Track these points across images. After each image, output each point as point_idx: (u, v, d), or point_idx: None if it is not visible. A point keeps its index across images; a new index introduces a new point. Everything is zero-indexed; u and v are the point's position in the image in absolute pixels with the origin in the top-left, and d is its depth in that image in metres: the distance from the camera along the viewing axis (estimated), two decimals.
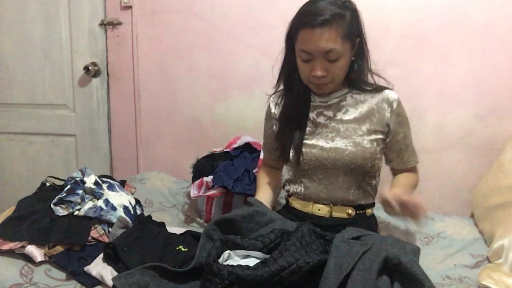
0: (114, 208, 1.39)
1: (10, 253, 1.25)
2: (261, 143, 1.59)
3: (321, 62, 1.11)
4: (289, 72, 1.25)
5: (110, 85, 2.17)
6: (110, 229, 1.36)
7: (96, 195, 1.39)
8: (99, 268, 1.18)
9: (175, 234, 1.37)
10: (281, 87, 1.31)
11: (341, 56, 1.11)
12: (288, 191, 1.35)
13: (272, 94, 1.35)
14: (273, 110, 1.34)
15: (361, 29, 1.18)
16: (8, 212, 1.41)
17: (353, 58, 1.19)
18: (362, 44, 1.20)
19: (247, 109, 1.96)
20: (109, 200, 1.40)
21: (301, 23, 1.11)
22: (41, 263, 1.23)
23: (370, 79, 1.26)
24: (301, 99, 1.26)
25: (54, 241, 1.25)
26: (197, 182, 1.62)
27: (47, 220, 1.30)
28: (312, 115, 1.26)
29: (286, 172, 1.38)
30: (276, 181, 1.39)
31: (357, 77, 1.22)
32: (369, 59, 1.23)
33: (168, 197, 1.81)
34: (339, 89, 1.24)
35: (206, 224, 1.57)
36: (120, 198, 1.45)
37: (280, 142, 1.31)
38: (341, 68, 1.14)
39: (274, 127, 1.34)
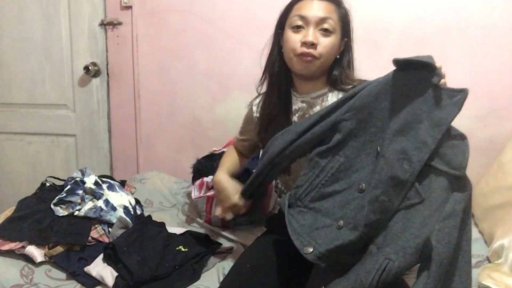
0: (114, 208, 1.39)
1: (10, 253, 1.25)
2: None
3: (314, 31, 1.10)
4: (274, 61, 1.21)
5: (110, 85, 2.17)
6: (110, 229, 1.36)
7: (96, 196, 1.39)
8: (99, 268, 1.18)
9: (175, 234, 1.37)
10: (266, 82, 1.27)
11: (333, 32, 1.11)
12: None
13: (256, 98, 1.32)
14: (255, 114, 1.31)
15: (350, 31, 1.18)
16: (8, 212, 1.41)
17: (337, 56, 1.16)
18: (348, 47, 1.18)
19: (247, 109, 1.96)
20: (109, 200, 1.40)
21: None
22: (41, 263, 1.23)
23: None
24: (282, 94, 1.21)
25: (54, 242, 1.25)
26: (197, 182, 1.62)
27: (47, 221, 1.30)
28: (294, 118, 1.21)
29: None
30: (241, 163, 1.39)
31: (337, 77, 1.17)
32: (353, 65, 1.20)
33: (168, 197, 1.81)
34: (319, 88, 1.19)
35: (206, 224, 1.57)
36: (120, 198, 1.45)
37: (261, 142, 1.28)
38: (330, 46, 1.11)
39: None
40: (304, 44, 1.09)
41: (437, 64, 0.89)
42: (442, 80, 0.89)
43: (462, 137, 0.90)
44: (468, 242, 0.90)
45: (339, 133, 1.03)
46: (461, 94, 0.86)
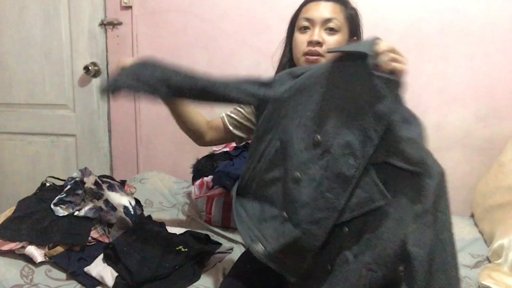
0: (114, 209, 1.39)
1: (10, 253, 1.25)
2: None
3: (319, 31, 1.13)
4: (286, 63, 1.24)
5: None
6: (110, 229, 1.36)
7: (96, 196, 1.39)
8: (99, 268, 1.18)
9: (175, 234, 1.37)
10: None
11: (339, 30, 1.14)
12: None
13: None
14: None
15: (359, 31, 1.21)
16: (8, 212, 1.41)
17: None
18: None
19: None
20: (109, 200, 1.40)
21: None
22: (41, 263, 1.23)
23: None
24: None
25: (54, 242, 1.25)
26: (197, 182, 1.62)
27: (47, 221, 1.30)
28: None
29: None
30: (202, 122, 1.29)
31: None
32: None
33: (168, 197, 1.81)
34: None
35: (206, 224, 1.57)
36: (120, 198, 1.45)
37: None
38: (336, 44, 1.14)
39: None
40: (310, 43, 1.13)
41: (384, 46, 0.80)
42: (397, 65, 0.82)
43: (416, 125, 0.85)
44: (447, 234, 0.84)
45: (275, 112, 0.98)
46: (394, 83, 0.81)
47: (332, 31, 1.13)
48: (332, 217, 0.88)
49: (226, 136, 1.30)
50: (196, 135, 1.31)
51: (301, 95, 0.95)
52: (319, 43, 1.12)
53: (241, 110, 1.28)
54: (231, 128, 1.27)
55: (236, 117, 1.28)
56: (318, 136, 0.91)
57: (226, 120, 1.29)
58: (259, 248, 0.96)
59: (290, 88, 0.97)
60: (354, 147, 0.85)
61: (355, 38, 1.19)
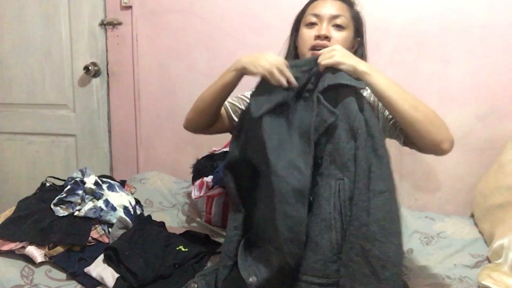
0: (114, 209, 1.39)
1: (10, 254, 1.25)
2: None
3: (327, 26, 1.15)
4: (292, 57, 1.26)
5: (110, 85, 2.17)
6: (110, 229, 1.36)
7: (96, 196, 1.39)
8: (100, 269, 1.18)
9: (175, 234, 1.37)
10: None
11: (346, 27, 1.16)
12: None
13: None
14: None
15: (363, 33, 1.24)
16: (8, 212, 1.41)
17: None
18: (362, 47, 1.25)
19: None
20: (109, 200, 1.40)
21: None
22: (41, 264, 1.23)
23: None
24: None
25: (54, 242, 1.25)
26: (197, 182, 1.62)
27: (47, 221, 1.30)
28: None
29: None
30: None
31: None
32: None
33: (168, 197, 1.81)
34: None
35: (206, 224, 1.57)
36: (120, 199, 1.45)
37: None
38: (343, 40, 1.16)
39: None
40: (318, 37, 1.15)
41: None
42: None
43: None
44: (381, 143, 0.98)
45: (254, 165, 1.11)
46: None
47: (339, 27, 1.15)
48: (303, 232, 0.97)
49: (228, 125, 1.29)
50: (210, 124, 1.27)
51: (255, 141, 1.06)
52: (327, 37, 1.14)
53: (244, 98, 1.29)
54: (234, 116, 1.27)
55: (238, 104, 1.29)
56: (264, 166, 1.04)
57: (228, 107, 1.28)
58: (252, 280, 1.05)
59: (248, 141, 1.12)
60: (295, 162, 0.98)
61: (359, 39, 1.22)
